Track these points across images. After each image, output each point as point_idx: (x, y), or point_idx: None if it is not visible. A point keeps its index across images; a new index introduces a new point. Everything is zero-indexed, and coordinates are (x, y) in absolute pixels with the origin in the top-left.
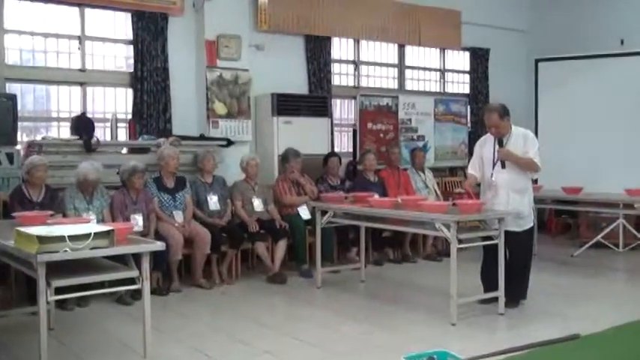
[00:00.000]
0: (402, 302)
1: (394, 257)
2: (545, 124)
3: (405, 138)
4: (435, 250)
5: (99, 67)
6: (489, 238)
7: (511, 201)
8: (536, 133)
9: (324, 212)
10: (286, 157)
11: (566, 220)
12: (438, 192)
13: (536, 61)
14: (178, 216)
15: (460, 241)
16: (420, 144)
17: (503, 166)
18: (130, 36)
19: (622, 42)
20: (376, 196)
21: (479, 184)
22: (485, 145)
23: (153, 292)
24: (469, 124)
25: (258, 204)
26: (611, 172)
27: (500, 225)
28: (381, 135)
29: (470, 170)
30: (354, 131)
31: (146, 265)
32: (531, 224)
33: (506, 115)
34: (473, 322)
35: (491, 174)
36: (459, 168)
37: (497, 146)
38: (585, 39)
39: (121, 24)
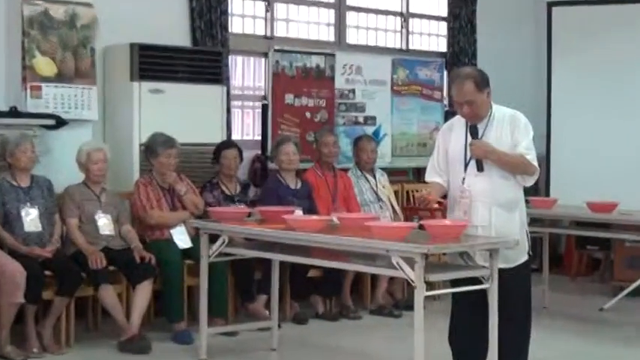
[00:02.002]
0: None
1: (326, 311)
2: (562, 102)
3: (346, 120)
4: (391, 300)
5: None
6: (474, 280)
7: (495, 221)
8: (548, 118)
9: (213, 237)
10: (153, 147)
11: (592, 254)
12: (397, 207)
13: (549, 5)
14: None
15: (430, 285)
16: (369, 130)
17: (479, 167)
18: None
19: None
20: (298, 213)
21: (445, 196)
22: (452, 134)
23: None
24: (446, 100)
25: (105, 223)
26: None
27: (491, 260)
28: (307, 115)
29: (430, 176)
30: (264, 108)
31: None
32: (525, 257)
33: (485, 87)
34: None
35: (462, 179)
36: None
37: (469, 138)
38: None
39: None
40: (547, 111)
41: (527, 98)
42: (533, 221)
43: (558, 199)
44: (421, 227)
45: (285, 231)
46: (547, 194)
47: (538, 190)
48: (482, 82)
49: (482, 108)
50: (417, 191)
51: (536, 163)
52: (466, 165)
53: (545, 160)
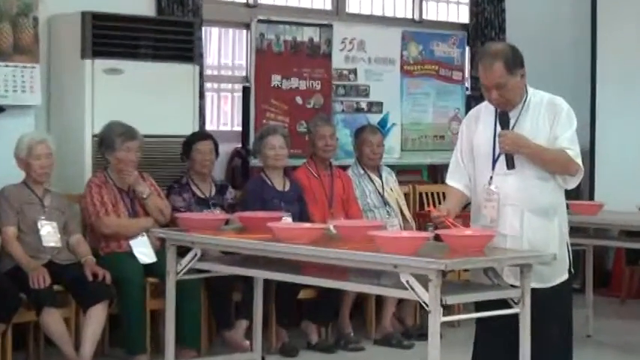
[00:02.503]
0: None
1: (320, 340)
2: (609, 84)
3: (346, 107)
4: (400, 327)
5: None
6: (502, 303)
7: (528, 230)
8: (592, 104)
9: (183, 250)
10: (109, 140)
11: None
12: (407, 212)
13: None
14: None
15: (447, 310)
16: (374, 119)
17: (510, 164)
18: None
19: None
20: (287, 219)
21: (468, 205)
22: (479, 124)
23: None
24: (468, 83)
25: (49, 232)
26: None
27: (523, 278)
28: (299, 100)
29: (452, 178)
30: (246, 92)
31: None
32: (565, 275)
33: (518, 67)
34: None
35: (490, 179)
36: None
37: (498, 128)
38: None
39: None
40: (591, 95)
41: (567, 80)
42: (574, 231)
43: (605, 204)
44: (437, 238)
45: (270, 242)
46: (591, 197)
47: (580, 192)
48: (514, 61)
49: (514, 92)
50: (432, 195)
51: (580, 161)
52: (494, 161)
53: (588, 155)
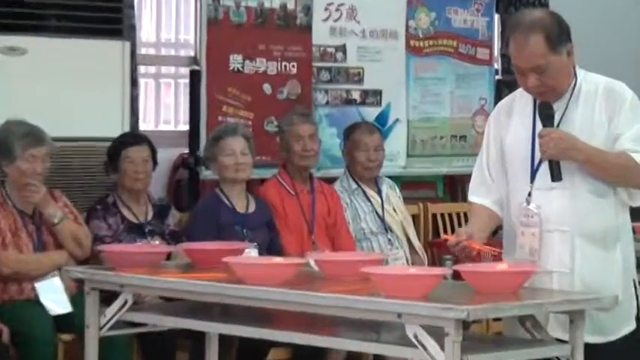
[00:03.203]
0: None
1: None
2: None
3: (332, 97)
4: None
5: None
6: None
7: (581, 264)
8: None
9: (108, 296)
10: (7, 145)
11: None
12: (415, 241)
13: None
14: None
15: None
16: (371, 114)
17: (555, 175)
18: None
19: None
20: (251, 253)
21: (499, 229)
22: (512, 121)
23: None
24: (498, 63)
25: None
26: None
27: (574, 329)
28: (267, 88)
29: (475, 193)
30: (194, 77)
31: None
32: (632, 324)
33: (563, 43)
34: None
35: (528, 196)
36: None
37: (539, 125)
38: None
39: None
40: None
41: (631, 61)
42: None
43: None
44: (456, 275)
45: (228, 284)
46: None
47: None
48: (558, 35)
49: (559, 77)
50: (451, 217)
51: None
52: (534, 171)
53: None
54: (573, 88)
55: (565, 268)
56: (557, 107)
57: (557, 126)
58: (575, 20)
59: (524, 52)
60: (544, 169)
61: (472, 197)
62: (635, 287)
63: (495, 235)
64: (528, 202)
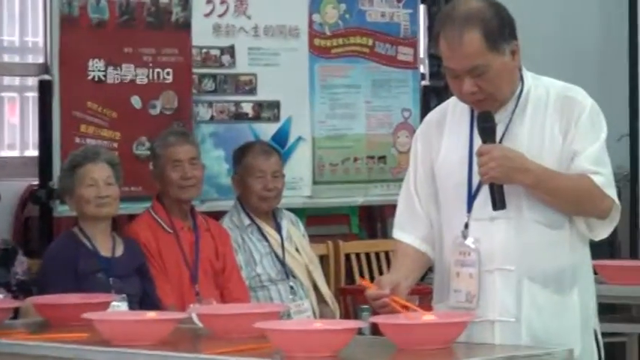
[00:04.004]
0: None
1: None
2: None
3: (217, 111)
4: None
5: None
6: None
7: (529, 311)
8: (632, 101)
9: None
10: None
11: None
12: (324, 289)
13: None
14: None
15: None
16: (267, 132)
17: (498, 203)
18: None
19: None
20: (118, 306)
21: (429, 272)
22: (443, 136)
23: None
24: (425, 66)
25: None
26: None
27: None
28: (135, 102)
29: (401, 232)
30: (44, 89)
31: None
32: None
33: (506, 41)
34: None
35: (465, 227)
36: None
37: (477, 141)
38: None
39: None
40: (630, 91)
41: (591, 62)
42: (607, 310)
43: None
44: (375, 330)
45: (90, 346)
46: (634, 254)
47: (616, 246)
48: (500, 30)
49: (501, 81)
50: (369, 256)
51: (613, 193)
52: (471, 198)
53: (629, 183)
54: (519, 96)
55: (509, 317)
56: (500, 119)
57: (500, 142)
58: (523, 14)
59: (458, 52)
60: (484, 196)
61: (397, 234)
62: (597, 339)
63: (425, 278)
64: (465, 236)
